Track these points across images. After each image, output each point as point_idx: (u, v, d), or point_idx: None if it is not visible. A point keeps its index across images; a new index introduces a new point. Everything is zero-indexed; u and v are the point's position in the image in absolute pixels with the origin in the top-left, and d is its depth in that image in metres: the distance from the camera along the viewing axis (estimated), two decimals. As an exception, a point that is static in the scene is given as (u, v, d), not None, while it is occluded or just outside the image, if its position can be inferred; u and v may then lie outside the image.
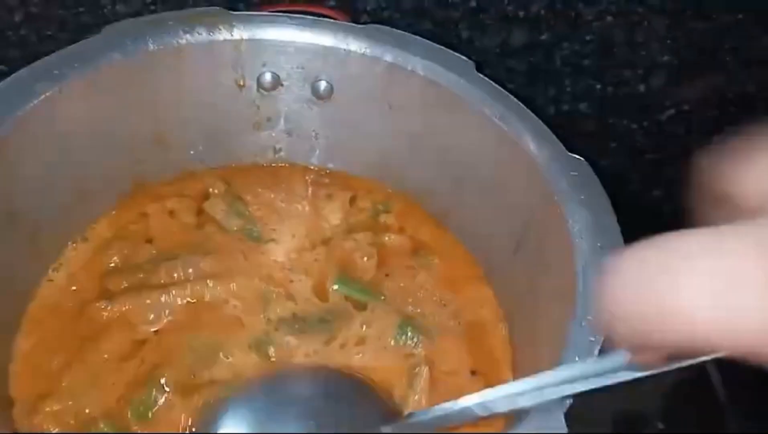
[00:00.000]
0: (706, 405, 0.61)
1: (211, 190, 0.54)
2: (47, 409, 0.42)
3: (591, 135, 0.71)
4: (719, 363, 0.22)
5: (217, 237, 0.52)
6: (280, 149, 0.57)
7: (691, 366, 0.26)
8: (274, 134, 0.56)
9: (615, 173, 0.73)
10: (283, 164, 0.58)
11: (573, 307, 0.39)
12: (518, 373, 0.48)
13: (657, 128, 0.71)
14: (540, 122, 0.47)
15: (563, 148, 0.46)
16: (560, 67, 0.66)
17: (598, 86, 0.68)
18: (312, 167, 0.57)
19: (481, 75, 0.50)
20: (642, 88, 0.68)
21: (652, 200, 0.76)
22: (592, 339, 0.37)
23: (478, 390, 0.42)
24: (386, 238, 0.54)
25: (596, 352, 0.37)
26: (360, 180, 0.57)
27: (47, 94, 0.44)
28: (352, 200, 0.56)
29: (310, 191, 0.56)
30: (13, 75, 0.44)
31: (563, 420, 0.34)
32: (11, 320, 0.46)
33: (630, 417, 0.61)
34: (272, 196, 0.56)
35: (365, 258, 0.52)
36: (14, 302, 0.46)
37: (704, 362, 0.24)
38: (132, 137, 0.51)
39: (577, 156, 0.46)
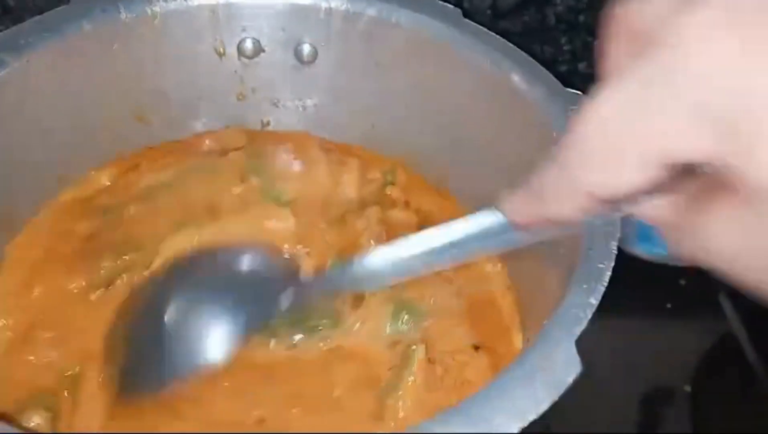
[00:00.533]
0: (737, 375, 0.58)
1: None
2: None
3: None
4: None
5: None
6: (268, 122, 0.55)
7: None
8: (260, 106, 0.54)
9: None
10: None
11: (579, 251, 0.37)
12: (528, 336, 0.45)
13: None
14: (533, 61, 0.45)
15: (560, 84, 0.44)
16: (555, 24, 0.64)
17: (596, 43, 0.65)
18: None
19: (469, 21, 0.47)
20: (641, 41, 0.65)
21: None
22: (601, 265, 0.34)
23: (483, 365, 0.40)
24: (394, 213, 0.51)
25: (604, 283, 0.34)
26: (356, 148, 0.54)
27: (14, 65, 0.43)
28: (363, 170, 0.53)
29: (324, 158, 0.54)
30: (-22, 44, 0.42)
31: (575, 351, 0.31)
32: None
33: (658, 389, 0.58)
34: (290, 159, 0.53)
35: (372, 241, 0.49)
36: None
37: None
38: (109, 113, 0.49)
39: (575, 91, 0.43)
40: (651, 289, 0.60)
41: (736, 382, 0.57)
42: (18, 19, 0.59)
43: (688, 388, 0.56)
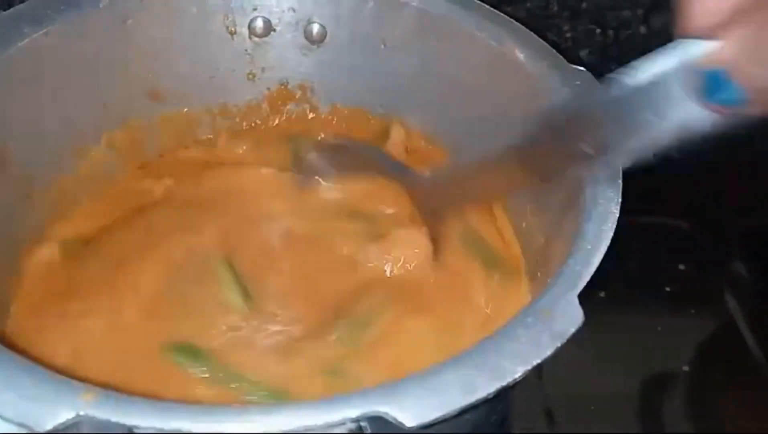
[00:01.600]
0: (736, 359, 0.59)
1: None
2: None
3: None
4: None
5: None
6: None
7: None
8: (269, 85, 0.55)
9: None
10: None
11: (580, 208, 0.38)
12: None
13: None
14: (539, 39, 0.47)
15: (564, 61, 0.45)
16: (558, 12, 0.65)
17: (599, 31, 0.67)
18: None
19: (475, 0, 0.49)
20: (643, 29, 0.66)
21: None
22: (603, 227, 0.36)
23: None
24: None
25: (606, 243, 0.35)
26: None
27: (33, 36, 0.44)
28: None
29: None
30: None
31: (577, 303, 0.32)
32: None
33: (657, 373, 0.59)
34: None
35: None
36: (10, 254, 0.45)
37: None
38: (122, 88, 0.50)
39: (579, 67, 0.44)
40: (650, 273, 0.61)
41: (736, 367, 0.58)
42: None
43: (686, 368, 0.57)
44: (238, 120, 0.55)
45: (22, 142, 0.45)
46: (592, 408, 0.52)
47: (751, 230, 0.68)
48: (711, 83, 0.27)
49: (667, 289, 0.61)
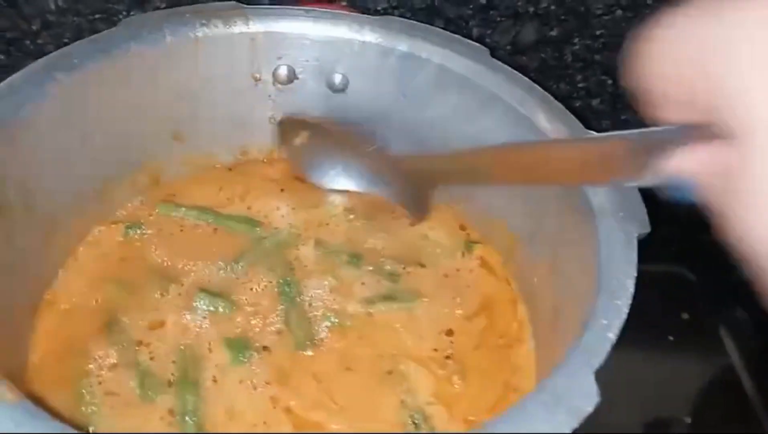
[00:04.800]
0: (736, 407, 0.60)
1: None
2: None
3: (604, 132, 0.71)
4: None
5: None
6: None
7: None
8: (290, 129, 0.56)
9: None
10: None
11: (596, 278, 0.39)
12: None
13: (670, 123, 0.71)
14: (555, 101, 0.47)
15: (580, 124, 0.46)
16: (571, 62, 0.67)
17: (610, 81, 0.68)
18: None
19: (495, 60, 0.50)
20: (654, 82, 0.68)
21: (666, 196, 0.76)
22: (618, 302, 0.37)
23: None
24: None
25: (622, 319, 0.37)
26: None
27: (65, 82, 0.45)
28: None
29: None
30: (34, 63, 0.44)
31: (594, 381, 0.33)
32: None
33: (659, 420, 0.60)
34: None
35: None
36: (29, 294, 0.46)
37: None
38: (148, 130, 0.51)
39: (594, 133, 0.46)
40: (654, 322, 0.62)
41: (735, 414, 0.59)
42: (57, 35, 0.62)
43: (688, 419, 0.58)
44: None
45: (49, 184, 0.46)
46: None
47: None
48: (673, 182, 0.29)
49: (671, 338, 0.62)
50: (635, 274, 0.38)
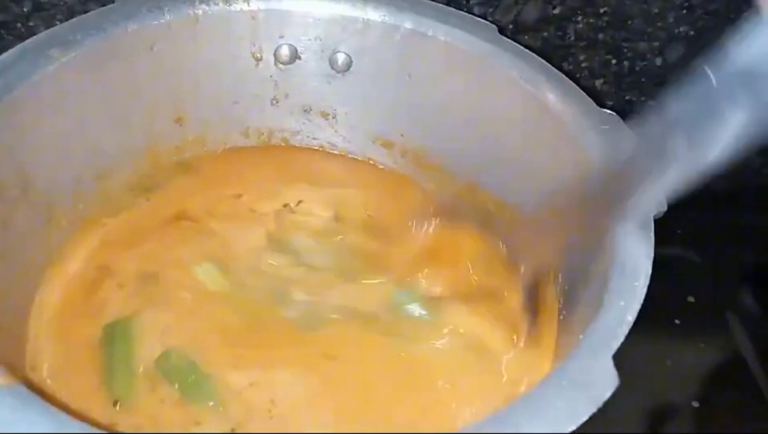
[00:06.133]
0: (743, 390, 0.60)
1: None
2: None
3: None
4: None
5: None
6: (298, 131, 0.56)
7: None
8: (292, 111, 0.55)
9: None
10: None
11: (611, 262, 0.38)
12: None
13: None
14: (567, 79, 0.47)
15: (593, 103, 0.45)
16: (574, 41, 0.65)
17: (614, 61, 0.67)
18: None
19: (503, 37, 0.49)
20: (659, 61, 0.67)
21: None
22: (636, 283, 0.36)
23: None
24: None
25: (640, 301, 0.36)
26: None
27: (62, 60, 0.43)
28: None
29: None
30: (28, 40, 0.43)
31: (612, 365, 0.33)
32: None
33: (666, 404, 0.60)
34: None
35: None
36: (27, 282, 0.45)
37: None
38: (148, 112, 0.50)
39: (608, 111, 0.45)
40: (660, 305, 0.62)
41: (743, 399, 0.58)
42: (49, 17, 0.60)
43: (695, 404, 0.57)
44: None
45: (46, 167, 0.45)
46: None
47: (760, 261, 0.69)
48: None
49: (677, 321, 0.61)
50: (652, 254, 0.37)
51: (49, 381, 0.41)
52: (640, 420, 0.55)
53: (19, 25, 0.61)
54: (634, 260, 0.37)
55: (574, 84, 0.46)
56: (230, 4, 0.49)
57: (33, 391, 0.30)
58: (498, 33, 0.49)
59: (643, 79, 0.68)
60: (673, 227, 0.70)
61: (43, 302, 0.45)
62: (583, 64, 0.68)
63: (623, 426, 0.54)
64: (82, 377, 0.41)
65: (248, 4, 0.49)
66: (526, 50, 0.48)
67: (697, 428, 0.56)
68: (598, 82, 0.69)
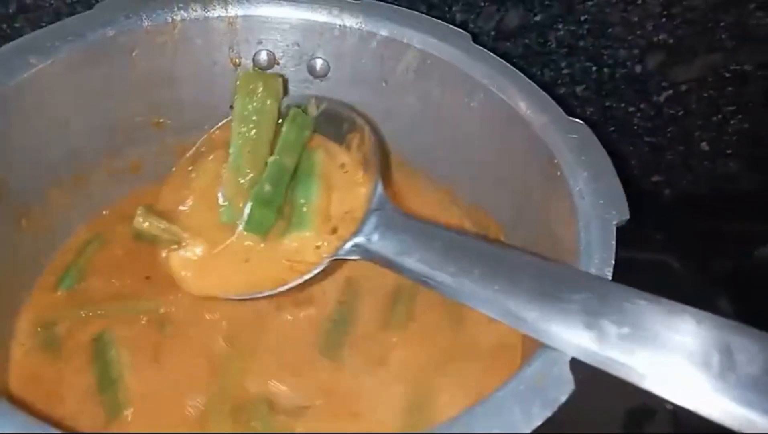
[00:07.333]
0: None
1: None
2: None
3: (589, 119, 0.71)
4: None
5: None
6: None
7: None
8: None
9: (614, 157, 0.73)
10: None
11: (578, 264, 0.39)
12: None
13: (655, 110, 0.71)
14: (537, 88, 0.47)
15: (562, 112, 0.46)
16: (555, 48, 0.66)
17: (594, 68, 0.68)
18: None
19: (478, 46, 0.49)
20: (638, 69, 0.67)
21: (652, 185, 0.76)
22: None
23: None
24: None
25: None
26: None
27: (40, 66, 0.44)
28: None
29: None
30: (6, 46, 0.43)
31: (569, 370, 0.33)
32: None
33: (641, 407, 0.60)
34: None
35: None
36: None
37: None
38: (127, 117, 0.50)
39: (577, 120, 0.45)
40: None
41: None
42: (35, 19, 0.61)
43: (669, 406, 0.58)
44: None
45: (24, 171, 0.45)
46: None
47: (738, 267, 0.70)
48: None
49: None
50: (613, 262, 0.38)
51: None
52: (617, 422, 0.56)
53: (4, 26, 0.62)
54: (596, 266, 0.38)
55: (544, 93, 0.47)
56: (208, 11, 0.50)
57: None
58: (472, 41, 0.49)
59: (622, 86, 0.69)
60: (653, 232, 0.71)
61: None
62: (564, 71, 0.68)
63: (601, 427, 0.55)
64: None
65: (226, 10, 0.50)
66: (499, 59, 0.49)
67: (674, 429, 0.57)
68: (579, 89, 0.70)
